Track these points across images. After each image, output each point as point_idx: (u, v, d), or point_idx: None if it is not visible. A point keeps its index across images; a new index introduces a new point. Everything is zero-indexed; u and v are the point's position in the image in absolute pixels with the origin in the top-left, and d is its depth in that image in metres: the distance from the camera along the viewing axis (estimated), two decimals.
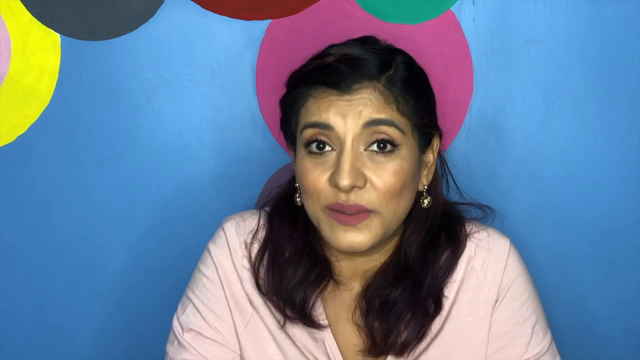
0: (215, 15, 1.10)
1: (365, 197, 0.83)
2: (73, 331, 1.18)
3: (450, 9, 1.08)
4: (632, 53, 1.08)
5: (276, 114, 1.08)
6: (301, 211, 0.92)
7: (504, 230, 1.01)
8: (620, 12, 1.07)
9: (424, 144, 0.89)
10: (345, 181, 0.81)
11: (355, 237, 0.84)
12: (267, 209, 0.97)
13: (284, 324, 0.91)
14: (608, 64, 1.09)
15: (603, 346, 1.16)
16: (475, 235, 0.94)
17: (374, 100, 0.83)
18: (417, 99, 0.86)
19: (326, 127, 0.84)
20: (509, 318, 0.91)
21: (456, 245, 0.92)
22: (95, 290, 1.17)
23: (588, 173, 1.12)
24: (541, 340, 0.92)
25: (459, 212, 0.98)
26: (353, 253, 0.88)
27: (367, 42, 0.89)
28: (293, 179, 0.97)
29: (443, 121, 0.94)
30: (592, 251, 1.14)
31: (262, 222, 0.95)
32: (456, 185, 0.98)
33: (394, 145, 0.84)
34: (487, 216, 0.99)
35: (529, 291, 0.93)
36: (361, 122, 0.83)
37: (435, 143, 0.92)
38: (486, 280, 0.92)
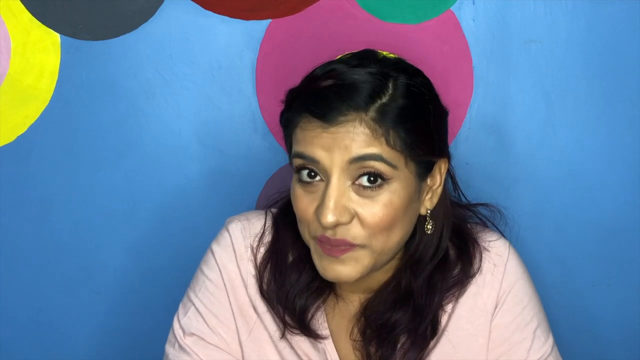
0: (215, 15, 1.10)
1: (352, 232, 0.80)
2: (73, 331, 1.18)
3: (450, 9, 1.08)
4: (632, 53, 1.08)
5: (276, 114, 1.08)
6: None
7: (504, 230, 1.01)
8: (620, 12, 1.07)
9: (423, 171, 0.84)
10: (327, 219, 0.78)
11: (342, 269, 0.81)
12: (274, 210, 0.95)
13: (284, 333, 0.89)
14: (608, 63, 1.09)
15: (603, 346, 1.16)
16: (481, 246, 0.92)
17: (360, 135, 0.78)
18: (411, 131, 0.80)
19: (312, 160, 0.80)
20: (509, 323, 0.90)
21: (467, 270, 0.89)
22: (95, 290, 1.17)
23: (588, 173, 1.12)
24: (543, 345, 0.90)
25: (470, 225, 0.94)
26: None
27: (366, 58, 0.84)
28: None
29: None
30: (592, 251, 1.14)
31: (268, 224, 0.93)
32: (466, 199, 0.96)
33: (384, 179, 0.79)
34: (495, 217, 0.99)
35: (530, 295, 0.91)
36: (347, 157, 0.78)
37: (442, 166, 0.86)
38: (485, 286, 0.90)
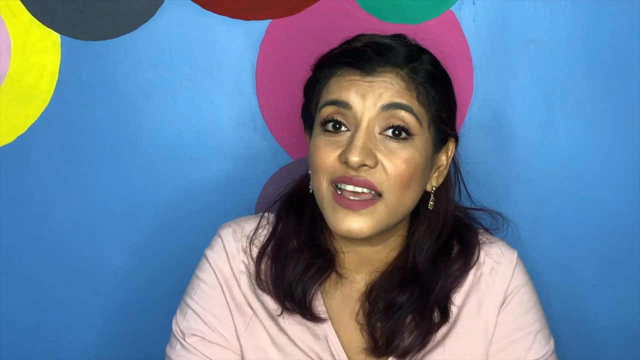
0: (215, 15, 1.10)
1: (377, 177, 0.83)
2: (73, 331, 1.18)
3: (450, 9, 1.08)
4: (632, 53, 1.08)
5: (276, 114, 1.09)
6: (309, 203, 0.92)
7: (504, 230, 1.00)
8: (620, 12, 1.07)
9: (438, 142, 0.89)
10: (355, 157, 0.81)
11: (355, 222, 0.83)
12: (267, 214, 0.96)
13: (281, 313, 0.91)
14: (608, 63, 1.09)
15: (603, 346, 1.16)
16: (485, 245, 0.94)
17: (395, 85, 0.84)
18: (438, 92, 0.87)
19: (344, 105, 0.84)
20: (512, 322, 0.92)
21: (468, 256, 0.93)
22: (96, 290, 1.17)
23: (588, 173, 1.12)
24: (543, 347, 0.92)
25: (471, 220, 0.97)
26: (354, 240, 0.88)
27: (397, 36, 0.91)
28: (306, 175, 0.96)
29: None
30: (592, 251, 1.14)
31: (262, 223, 0.95)
32: (468, 194, 0.98)
33: (409, 133, 0.84)
34: (499, 224, 1.00)
35: (534, 300, 0.94)
36: (380, 103, 0.83)
37: (451, 147, 0.92)
38: (494, 285, 0.93)
